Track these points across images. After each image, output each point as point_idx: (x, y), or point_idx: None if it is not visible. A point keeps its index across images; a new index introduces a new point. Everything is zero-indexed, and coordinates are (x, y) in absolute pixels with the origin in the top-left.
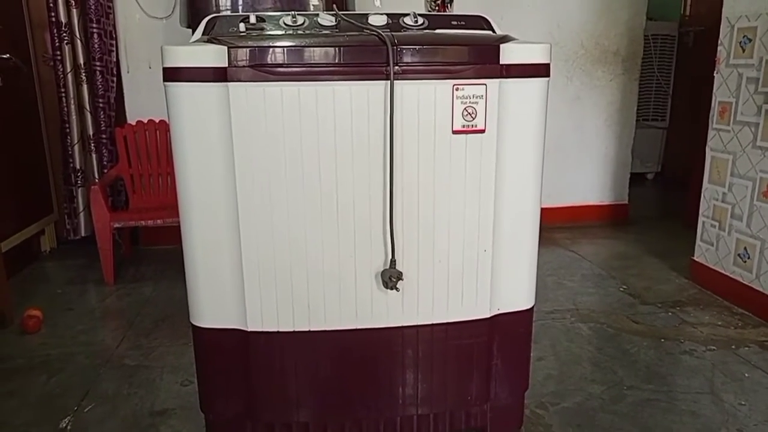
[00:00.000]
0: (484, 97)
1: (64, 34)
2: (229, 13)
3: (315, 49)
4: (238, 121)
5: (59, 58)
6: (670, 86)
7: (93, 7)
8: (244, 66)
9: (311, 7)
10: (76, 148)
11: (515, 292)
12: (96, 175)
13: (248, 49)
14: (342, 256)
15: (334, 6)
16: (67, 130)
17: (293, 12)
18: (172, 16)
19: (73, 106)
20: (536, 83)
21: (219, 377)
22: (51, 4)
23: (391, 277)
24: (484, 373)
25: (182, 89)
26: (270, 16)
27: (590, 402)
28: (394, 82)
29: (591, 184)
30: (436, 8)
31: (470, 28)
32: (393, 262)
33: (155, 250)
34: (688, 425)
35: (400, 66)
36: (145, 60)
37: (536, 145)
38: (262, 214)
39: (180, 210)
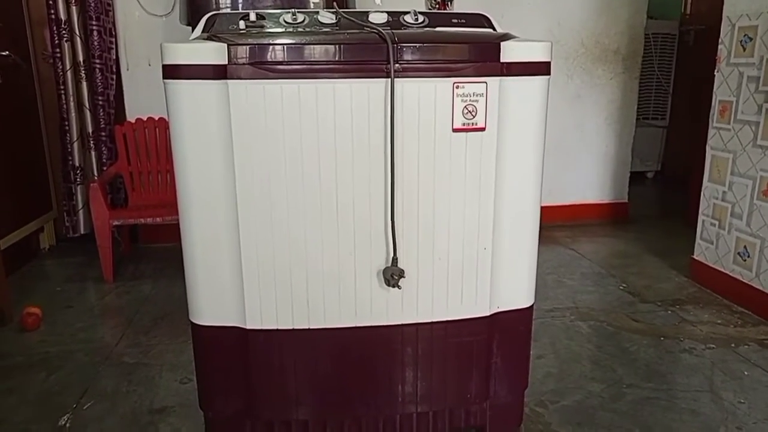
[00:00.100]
0: (484, 95)
1: (64, 32)
2: (228, 10)
3: (315, 46)
4: (238, 119)
5: (59, 55)
6: (671, 85)
7: (93, 4)
8: (243, 63)
9: (311, 5)
10: (76, 145)
11: (515, 290)
12: (95, 173)
13: (248, 47)
14: (341, 254)
15: (335, 4)
16: (67, 128)
17: (293, 9)
18: (171, 13)
19: (72, 104)
20: (537, 81)
21: (218, 375)
22: (50, 2)
23: (393, 275)
24: (484, 371)
25: (182, 87)
26: (270, 13)
27: (590, 400)
28: (395, 79)
29: (591, 182)
30: (437, 6)
31: (471, 26)
32: (395, 259)
33: (154, 248)
34: (688, 423)
35: (400, 64)
36: (145, 57)
37: (536, 144)
38: (261, 211)
39: (179, 208)
